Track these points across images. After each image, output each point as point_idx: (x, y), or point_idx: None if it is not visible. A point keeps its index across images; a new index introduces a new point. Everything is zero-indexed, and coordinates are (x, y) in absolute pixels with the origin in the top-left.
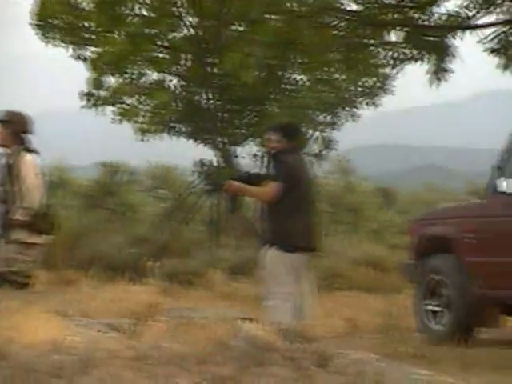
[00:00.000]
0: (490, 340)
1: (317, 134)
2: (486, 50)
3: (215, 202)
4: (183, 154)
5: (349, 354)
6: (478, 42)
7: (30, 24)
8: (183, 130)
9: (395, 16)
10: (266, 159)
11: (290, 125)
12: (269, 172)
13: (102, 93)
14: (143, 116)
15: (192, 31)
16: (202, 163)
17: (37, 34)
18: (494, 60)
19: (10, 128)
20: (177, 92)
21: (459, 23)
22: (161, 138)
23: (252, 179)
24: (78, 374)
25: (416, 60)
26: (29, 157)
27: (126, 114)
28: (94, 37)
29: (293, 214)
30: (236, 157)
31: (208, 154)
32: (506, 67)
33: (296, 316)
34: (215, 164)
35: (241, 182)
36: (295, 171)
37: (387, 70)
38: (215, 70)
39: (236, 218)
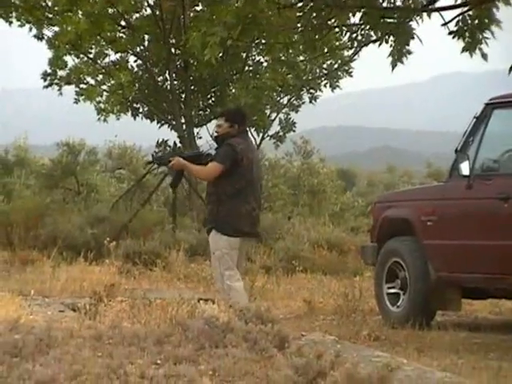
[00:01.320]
0: (450, 323)
1: (277, 115)
2: (449, 34)
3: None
4: (146, 135)
5: (307, 336)
6: (443, 25)
7: None
8: (144, 110)
9: None
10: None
11: (235, 110)
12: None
13: (62, 72)
14: (104, 96)
15: (153, 11)
16: (163, 144)
17: None
18: (454, 41)
19: None
20: (138, 72)
21: (419, 5)
22: (120, 118)
23: (201, 159)
24: (36, 353)
25: (376, 42)
26: None
27: (87, 94)
28: (54, 16)
29: (235, 198)
30: (196, 138)
31: (171, 135)
32: (466, 49)
33: (241, 295)
34: (176, 145)
35: (189, 160)
36: (237, 154)
37: (348, 52)
38: (176, 51)
39: (193, 199)
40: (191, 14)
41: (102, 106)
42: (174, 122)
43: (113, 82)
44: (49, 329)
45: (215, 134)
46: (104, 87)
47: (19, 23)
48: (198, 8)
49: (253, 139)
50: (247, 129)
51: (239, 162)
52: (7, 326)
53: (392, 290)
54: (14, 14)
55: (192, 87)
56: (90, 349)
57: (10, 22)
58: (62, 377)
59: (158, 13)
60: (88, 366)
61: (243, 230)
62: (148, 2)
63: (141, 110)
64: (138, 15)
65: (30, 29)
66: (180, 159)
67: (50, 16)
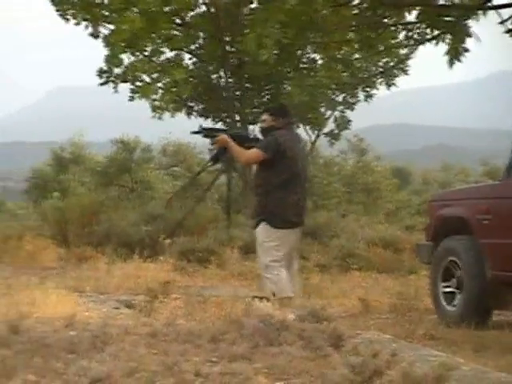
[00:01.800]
0: (507, 323)
1: (332, 113)
2: (507, 32)
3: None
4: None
5: (363, 334)
6: (500, 23)
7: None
8: (199, 108)
9: None
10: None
11: (278, 105)
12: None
13: (118, 70)
14: (159, 93)
15: (208, 9)
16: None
17: (57, 10)
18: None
19: None
20: (193, 70)
21: (477, 4)
22: (175, 116)
23: (247, 142)
24: (92, 349)
25: (432, 40)
26: None
27: (142, 92)
28: (110, 14)
29: (281, 189)
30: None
31: None
32: None
33: (287, 290)
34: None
35: (235, 140)
36: (280, 145)
37: (405, 50)
38: (231, 49)
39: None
40: (246, 11)
41: (156, 103)
42: (228, 120)
43: (168, 79)
44: (104, 326)
45: (260, 127)
46: (159, 85)
47: (75, 21)
48: (253, 5)
49: (307, 137)
50: (291, 122)
51: (283, 154)
52: (63, 323)
53: (448, 289)
54: (70, 12)
55: (247, 85)
56: (145, 346)
57: (67, 20)
58: (117, 374)
59: (213, 10)
60: (143, 363)
61: (291, 221)
62: (203, 0)
63: (195, 108)
64: (193, 13)
65: (86, 27)
66: (226, 136)
67: (106, 14)
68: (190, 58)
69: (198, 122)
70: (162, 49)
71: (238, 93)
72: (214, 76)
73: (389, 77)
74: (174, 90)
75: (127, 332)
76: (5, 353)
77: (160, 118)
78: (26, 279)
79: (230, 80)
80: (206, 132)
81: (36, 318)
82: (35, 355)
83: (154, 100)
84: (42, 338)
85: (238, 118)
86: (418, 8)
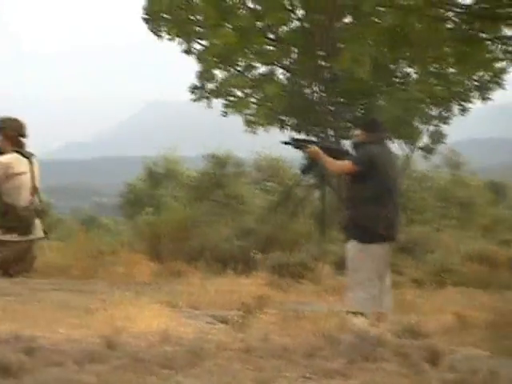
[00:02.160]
0: None
1: (427, 127)
2: None
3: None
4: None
5: (460, 351)
6: None
7: (143, 18)
8: (291, 122)
9: (510, 10)
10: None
11: (370, 119)
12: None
13: (211, 85)
14: (252, 108)
15: (301, 24)
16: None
17: (149, 27)
18: None
19: (3, 134)
20: (285, 84)
21: None
22: (269, 130)
23: (337, 154)
24: (187, 365)
25: None
26: (2, 160)
27: (235, 106)
28: (203, 30)
29: (372, 202)
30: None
31: None
32: None
33: (377, 307)
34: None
35: (326, 152)
36: (373, 158)
37: (501, 64)
38: (324, 63)
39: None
40: (339, 25)
41: (249, 118)
42: (321, 134)
43: (261, 94)
44: (198, 341)
45: (353, 141)
46: (252, 99)
47: (169, 37)
48: (346, 20)
49: (402, 151)
50: (384, 136)
51: (375, 167)
52: (158, 338)
53: None
54: (164, 29)
55: (340, 99)
56: (239, 361)
57: (160, 37)
58: None
59: (306, 25)
60: (238, 379)
61: (381, 235)
62: (297, 15)
63: (288, 122)
64: (286, 28)
65: (180, 43)
66: (317, 148)
67: (199, 30)
68: (284, 73)
69: (289, 136)
70: (254, 64)
71: (330, 107)
72: (308, 90)
73: (484, 90)
74: (268, 104)
75: (221, 347)
76: (100, 368)
77: (254, 133)
78: (119, 294)
79: (323, 94)
80: (297, 143)
81: (131, 333)
82: (130, 370)
83: (248, 115)
84: (137, 352)
85: (330, 132)
86: None
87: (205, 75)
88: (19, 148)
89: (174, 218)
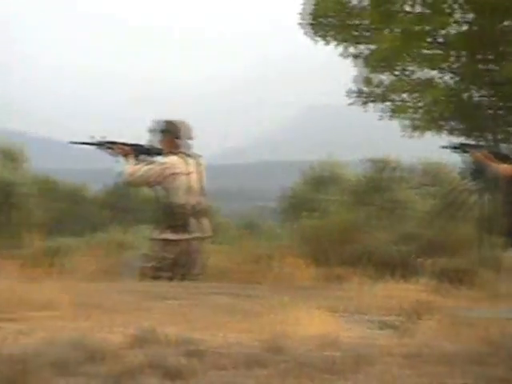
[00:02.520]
0: None
1: None
2: None
3: (486, 200)
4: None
5: None
6: None
7: (300, 24)
8: (454, 127)
9: None
10: None
11: None
12: None
13: (375, 89)
14: (413, 113)
15: (466, 27)
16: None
17: (305, 33)
18: None
19: (169, 135)
20: (448, 89)
21: None
22: (429, 135)
23: (503, 159)
24: (350, 370)
25: None
26: (167, 159)
27: (394, 111)
28: (366, 34)
29: None
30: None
31: None
32: None
33: None
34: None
35: (493, 157)
36: None
37: None
38: (488, 67)
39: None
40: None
41: (409, 122)
42: (483, 138)
43: (424, 98)
44: (360, 346)
45: None
46: (411, 104)
47: (335, 42)
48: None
49: None
50: None
51: None
52: (319, 343)
53: None
54: (329, 34)
55: (504, 103)
56: (401, 367)
57: (327, 42)
58: None
59: (474, 28)
60: None
61: None
62: (459, 19)
63: (447, 127)
64: (453, 31)
65: (346, 47)
66: (484, 152)
67: (359, 34)
68: (442, 77)
69: (448, 140)
70: (416, 68)
71: (490, 111)
72: (469, 94)
73: None
74: (430, 109)
75: (383, 352)
76: (262, 372)
77: (411, 137)
78: (281, 298)
79: (492, 98)
80: (463, 147)
81: (292, 338)
82: (291, 375)
83: (407, 119)
84: (298, 357)
85: (489, 136)
86: None
87: (363, 79)
88: (186, 150)
89: (335, 223)
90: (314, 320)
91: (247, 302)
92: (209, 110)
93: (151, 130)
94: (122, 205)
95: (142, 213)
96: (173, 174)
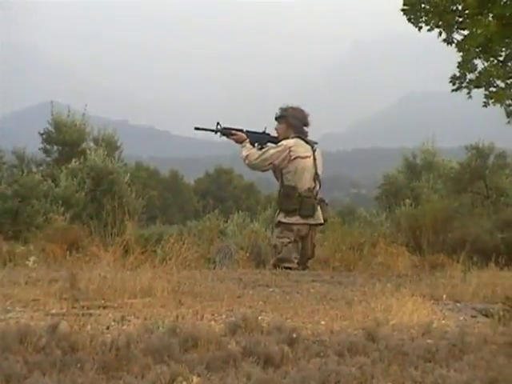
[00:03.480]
0: None
1: None
2: None
3: None
4: None
5: None
6: None
7: (402, 10)
8: None
9: None
10: None
11: None
12: None
13: (471, 75)
14: None
15: None
16: None
17: (408, 18)
18: None
19: (285, 122)
20: None
21: None
22: None
23: None
24: (450, 358)
25: None
26: (284, 143)
27: (496, 97)
28: (462, 19)
29: None
30: None
31: None
32: None
33: None
34: None
35: None
36: None
37: None
38: None
39: None
40: None
41: (510, 109)
42: None
43: None
44: (462, 334)
45: None
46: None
47: (428, 28)
48: None
49: None
50: None
51: None
52: (420, 331)
53: None
54: (423, 19)
55: None
56: (504, 356)
57: (420, 27)
58: (476, 383)
59: None
60: (503, 374)
61: None
62: None
63: None
64: None
65: (440, 33)
66: None
67: (459, 20)
68: None
69: None
70: None
71: None
72: None
73: None
74: None
75: (485, 341)
76: (362, 360)
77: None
78: (380, 286)
79: None
80: None
81: (392, 326)
82: (392, 363)
83: (509, 105)
84: (399, 345)
85: None
86: None
87: (465, 65)
88: (302, 135)
89: (434, 210)
90: (415, 308)
91: (347, 289)
92: (308, 90)
93: (276, 118)
94: (220, 193)
95: (241, 201)
96: (297, 157)
